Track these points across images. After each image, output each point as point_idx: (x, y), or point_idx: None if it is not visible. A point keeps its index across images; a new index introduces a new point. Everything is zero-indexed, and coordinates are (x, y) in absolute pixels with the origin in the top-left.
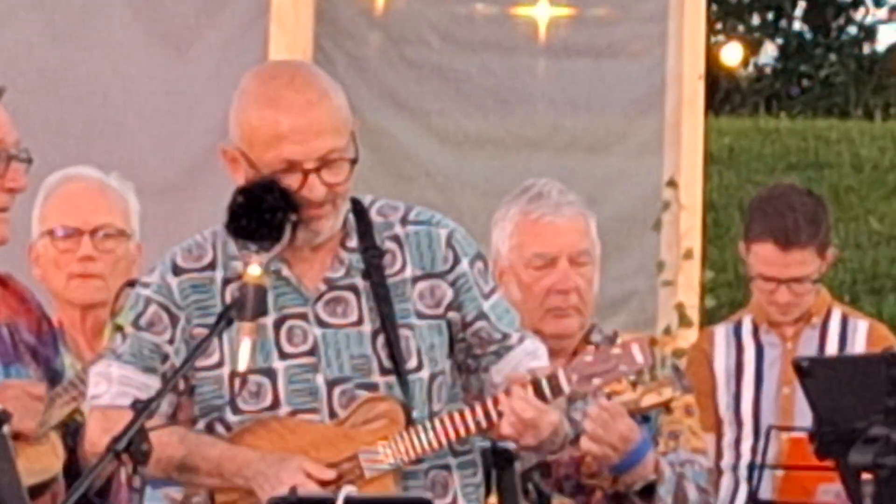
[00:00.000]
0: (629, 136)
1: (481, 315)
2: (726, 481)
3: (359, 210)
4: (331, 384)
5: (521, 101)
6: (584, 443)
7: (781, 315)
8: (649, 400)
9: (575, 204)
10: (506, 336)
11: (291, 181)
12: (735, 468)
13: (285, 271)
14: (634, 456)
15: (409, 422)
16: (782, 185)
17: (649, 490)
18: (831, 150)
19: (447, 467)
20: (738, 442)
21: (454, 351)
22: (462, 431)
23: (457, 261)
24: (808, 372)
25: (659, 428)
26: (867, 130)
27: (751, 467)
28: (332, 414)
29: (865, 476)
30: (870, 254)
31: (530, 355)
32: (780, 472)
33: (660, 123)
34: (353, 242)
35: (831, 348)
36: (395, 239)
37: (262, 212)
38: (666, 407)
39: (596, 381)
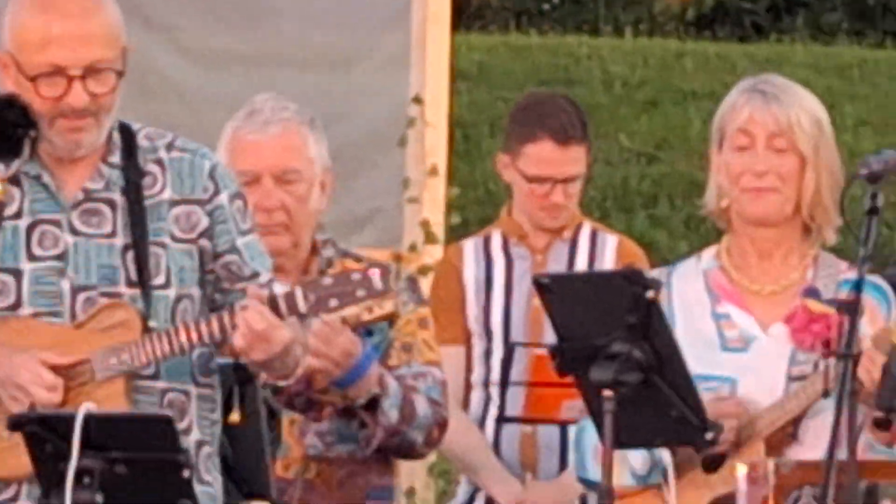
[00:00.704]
0: (375, 51)
1: (233, 249)
2: (477, 396)
3: (126, 133)
4: (76, 290)
5: (268, 16)
6: (307, 358)
7: (552, 220)
8: (371, 313)
9: (290, 121)
10: (255, 274)
11: (56, 86)
12: (486, 383)
13: (45, 178)
14: (357, 370)
15: (146, 332)
16: (543, 91)
17: (374, 403)
18: (581, 66)
19: (186, 393)
20: (488, 355)
21: (204, 281)
22: (195, 338)
23: (217, 192)
24: (549, 289)
25: (392, 341)
26: (617, 47)
27: (501, 384)
28: (75, 319)
29: (606, 393)
30: (620, 171)
31: None
32: (526, 388)
33: (406, 39)
34: (115, 159)
35: (581, 262)
36: (159, 162)
37: (2, 127)
38: (390, 320)
39: (333, 303)
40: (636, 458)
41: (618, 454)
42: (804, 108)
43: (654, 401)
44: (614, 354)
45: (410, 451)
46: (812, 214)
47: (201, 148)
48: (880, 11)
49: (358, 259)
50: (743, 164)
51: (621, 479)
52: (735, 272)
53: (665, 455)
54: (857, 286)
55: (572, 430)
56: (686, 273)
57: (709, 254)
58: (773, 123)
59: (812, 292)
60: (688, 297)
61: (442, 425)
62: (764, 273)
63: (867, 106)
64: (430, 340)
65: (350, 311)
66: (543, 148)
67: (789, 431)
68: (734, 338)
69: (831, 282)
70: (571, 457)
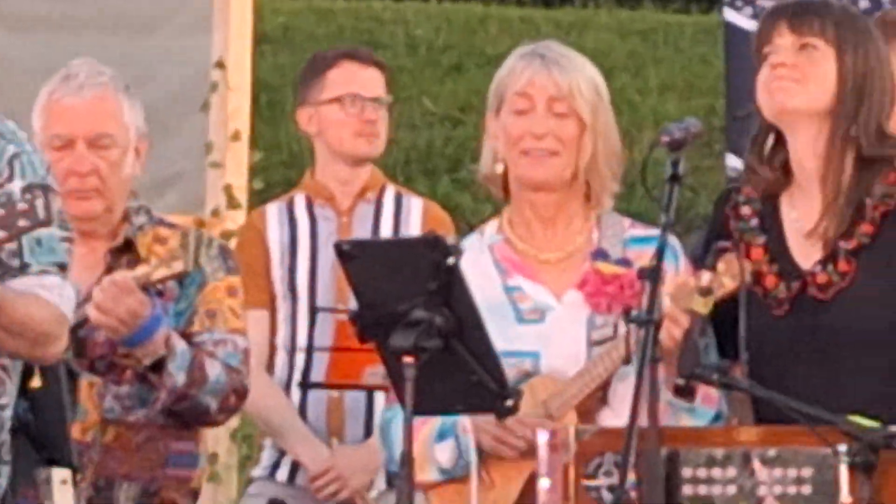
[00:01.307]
0: (178, 15)
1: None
2: (281, 360)
3: None
4: None
5: None
6: (92, 313)
7: (369, 145)
8: (160, 273)
9: (106, 86)
10: (25, 267)
11: None
12: (291, 347)
13: None
14: (144, 331)
15: None
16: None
17: (160, 365)
18: (385, 30)
19: None
20: (293, 318)
21: None
22: None
23: (9, 179)
24: (349, 255)
25: (197, 307)
26: (422, 11)
27: (307, 349)
28: None
29: (407, 359)
30: (424, 134)
31: (43, 287)
32: (329, 354)
33: (209, 3)
34: None
35: (386, 225)
36: None
37: None
38: (179, 279)
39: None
40: (443, 454)
41: (425, 452)
42: (584, 75)
43: (455, 367)
44: (415, 321)
45: (204, 417)
46: (591, 180)
47: (14, 132)
48: None
49: (171, 226)
50: (522, 127)
51: (429, 475)
52: (520, 243)
53: (467, 442)
54: (660, 253)
55: (380, 397)
56: (471, 249)
57: (491, 227)
58: (554, 88)
59: (601, 254)
60: (476, 272)
61: (240, 392)
62: (549, 241)
63: (671, 70)
64: (237, 308)
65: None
66: (343, 69)
67: (599, 396)
68: (529, 310)
69: (617, 241)
70: (378, 443)
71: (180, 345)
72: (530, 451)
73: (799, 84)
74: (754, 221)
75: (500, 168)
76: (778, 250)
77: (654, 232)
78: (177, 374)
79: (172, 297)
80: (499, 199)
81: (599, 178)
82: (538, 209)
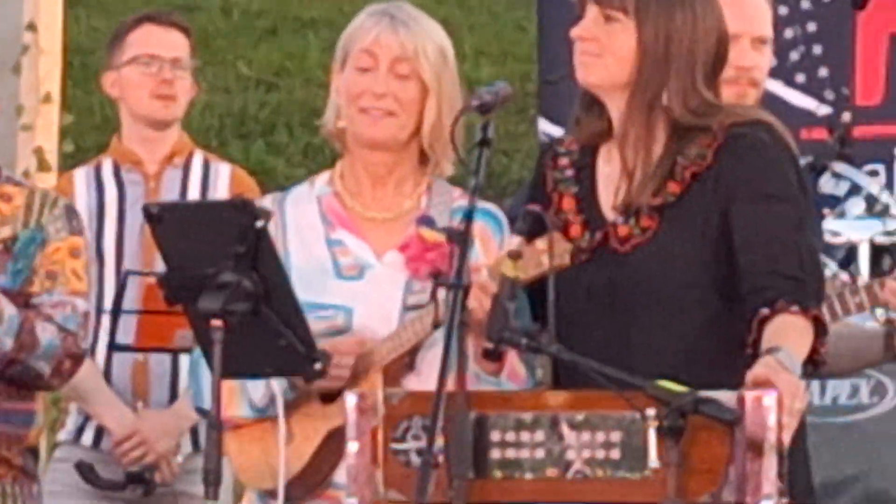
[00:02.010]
0: None
1: None
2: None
3: None
4: None
5: None
6: None
7: (165, 108)
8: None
9: None
10: None
11: None
12: (98, 310)
13: None
14: None
15: None
16: None
17: None
18: None
19: None
20: (100, 281)
21: None
22: None
23: None
24: (158, 218)
25: (36, 267)
26: None
27: (113, 312)
28: None
29: (215, 322)
30: (238, 98)
31: None
32: (138, 317)
33: None
34: None
35: (193, 191)
36: None
37: None
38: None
39: None
40: (256, 390)
41: (237, 385)
42: (431, 38)
43: (263, 330)
44: (223, 284)
45: (37, 382)
46: (432, 145)
47: None
48: None
49: (18, 184)
50: (363, 84)
51: (239, 410)
52: (349, 198)
53: (276, 386)
54: (468, 215)
55: (185, 360)
56: (299, 198)
57: (322, 179)
58: (399, 48)
59: (426, 221)
60: (301, 222)
61: (75, 357)
62: (377, 200)
63: (486, 36)
64: (80, 270)
65: None
66: (143, 30)
67: (406, 362)
68: (349, 265)
69: (445, 209)
70: (187, 386)
71: (8, 309)
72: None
73: (597, 58)
74: (569, 172)
75: (341, 124)
76: (587, 200)
77: (482, 204)
78: (4, 339)
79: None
80: (312, 164)
81: (444, 143)
82: (370, 167)
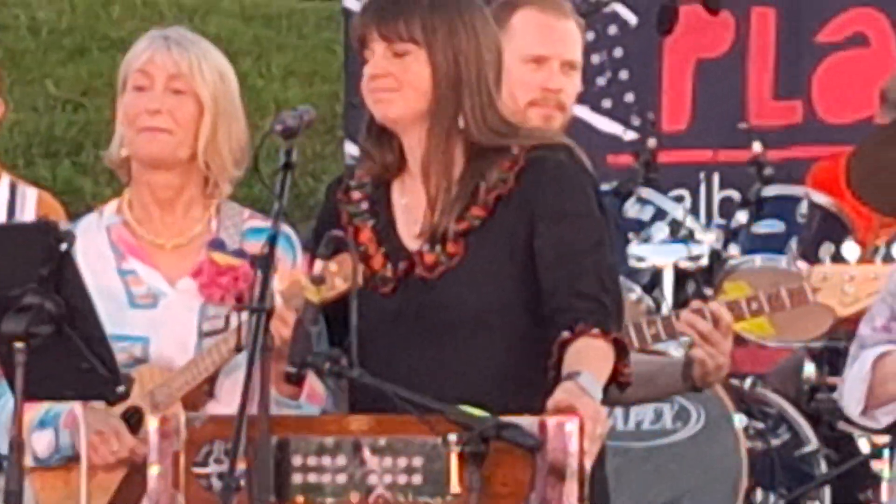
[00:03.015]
0: None
1: None
2: None
3: None
4: None
5: None
6: None
7: None
8: None
9: None
10: None
11: None
12: None
13: None
14: None
15: None
16: None
17: None
18: (9, 13)
19: None
20: None
21: None
22: None
23: None
24: None
25: None
26: None
27: None
28: None
29: (17, 344)
30: (46, 117)
31: None
32: None
33: None
34: None
35: (0, 215)
36: None
37: None
38: None
39: None
40: (40, 443)
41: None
42: (207, 58)
43: (66, 353)
44: (26, 306)
45: None
46: (208, 164)
47: None
48: None
49: None
50: (140, 104)
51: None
52: (138, 226)
53: (79, 413)
54: (272, 239)
55: None
56: (88, 228)
57: (110, 209)
58: (173, 66)
59: (217, 244)
60: (91, 253)
61: None
62: (167, 226)
63: (294, 56)
64: None
65: None
66: None
67: (206, 389)
68: (142, 294)
69: (236, 231)
70: None
71: None
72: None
73: (395, 92)
74: (364, 205)
75: (124, 152)
76: (386, 232)
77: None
78: None
79: None
80: (118, 184)
81: (219, 162)
82: (157, 192)
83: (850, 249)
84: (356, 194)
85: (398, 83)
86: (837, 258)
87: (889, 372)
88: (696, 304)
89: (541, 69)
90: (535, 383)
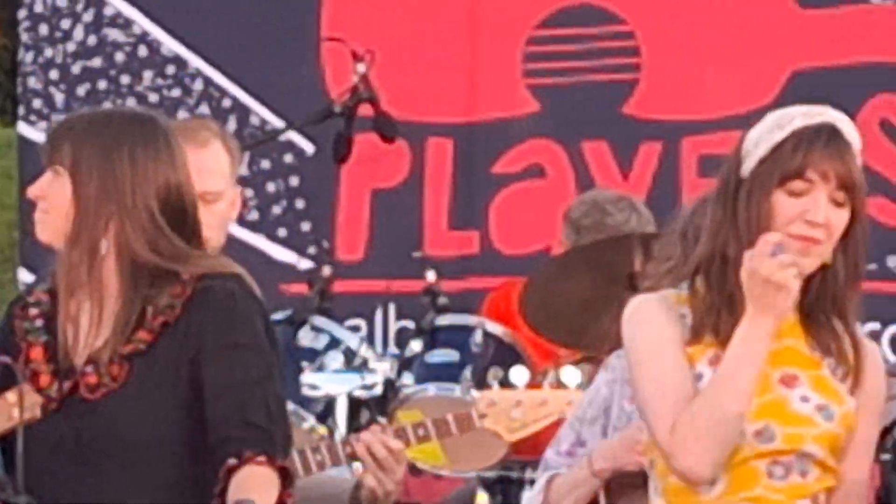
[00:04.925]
0: None
1: None
2: None
3: None
4: None
5: None
6: None
7: None
8: None
9: None
10: None
11: None
12: None
13: None
14: None
15: None
16: None
17: None
18: None
19: None
20: None
21: None
22: None
23: None
24: None
25: None
26: None
27: None
28: None
29: None
30: None
31: None
32: None
33: None
34: None
35: None
36: None
37: None
38: None
39: None
40: None
41: None
42: None
43: None
44: None
45: None
46: None
47: None
48: None
49: None
50: None
51: None
52: None
53: None
54: None
55: None
56: None
57: None
58: None
59: None
60: None
61: None
62: None
63: None
64: None
65: None
66: None
67: None
68: None
69: None
70: None
71: None
72: None
73: (47, 215)
74: (39, 322)
75: None
76: (55, 350)
77: None
78: None
79: None
80: None
81: None
82: None
83: (519, 374)
84: (33, 310)
85: (49, 205)
86: (506, 383)
87: (558, 493)
88: (374, 427)
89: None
90: None
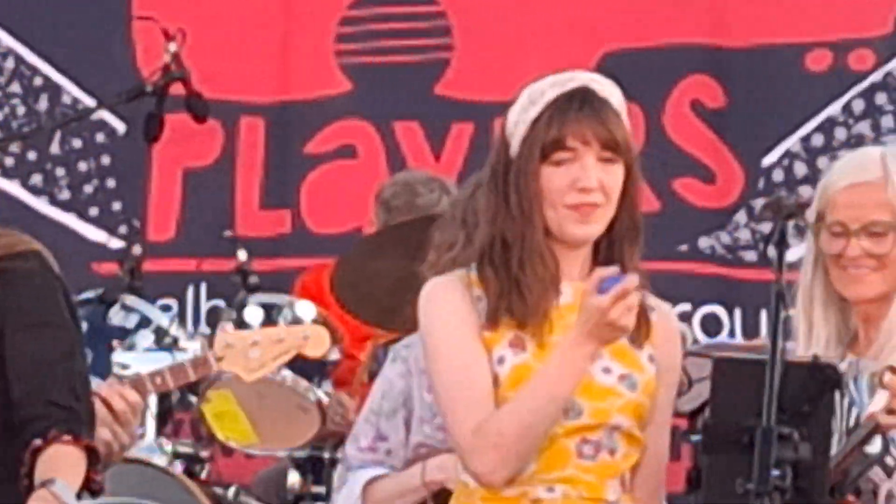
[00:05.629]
0: None
1: None
2: None
3: None
4: None
5: None
6: None
7: None
8: None
9: None
10: None
11: None
12: None
13: None
14: None
15: None
16: None
17: None
18: None
19: None
20: None
21: None
22: None
23: None
24: None
25: None
26: None
27: None
28: None
29: None
30: None
31: None
32: None
33: None
34: None
35: None
36: None
37: None
38: None
39: None
40: None
41: None
42: None
43: None
44: None
45: None
46: None
47: None
48: None
49: None
50: None
51: None
52: None
53: None
54: None
55: None
56: None
57: None
58: None
59: None
60: None
61: None
62: None
63: None
64: None
65: None
66: None
67: None
68: None
69: None
70: None
71: None
72: None
73: None
74: None
75: None
76: None
77: None
78: None
79: None
80: None
81: None
82: None
83: (253, 314)
84: None
85: None
86: (241, 324)
87: (378, 499)
88: (110, 380)
89: None
90: (7, 495)
